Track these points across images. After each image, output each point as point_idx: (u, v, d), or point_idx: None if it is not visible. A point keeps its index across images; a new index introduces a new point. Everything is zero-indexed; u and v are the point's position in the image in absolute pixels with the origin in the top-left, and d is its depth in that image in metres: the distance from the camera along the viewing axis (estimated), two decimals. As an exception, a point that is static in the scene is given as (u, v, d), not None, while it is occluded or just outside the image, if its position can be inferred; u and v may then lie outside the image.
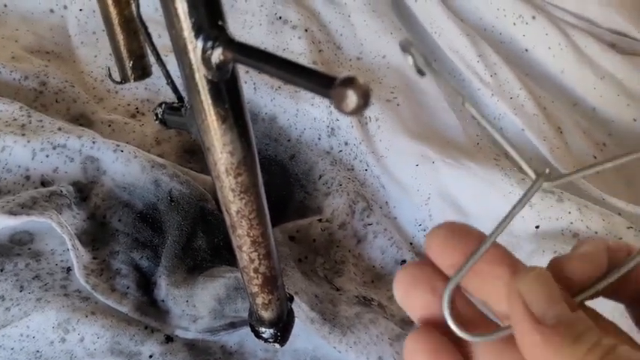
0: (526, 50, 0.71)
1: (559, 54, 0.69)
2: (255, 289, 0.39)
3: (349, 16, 0.77)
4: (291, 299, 0.43)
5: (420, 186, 0.63)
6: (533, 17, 0.70)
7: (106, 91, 0.72)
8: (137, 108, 0.70)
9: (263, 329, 0.41)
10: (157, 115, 0.38)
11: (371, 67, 0.74)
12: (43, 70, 0.67)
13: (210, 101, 0.32)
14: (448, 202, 0.62)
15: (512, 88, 0.68)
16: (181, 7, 0.29)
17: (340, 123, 0.68)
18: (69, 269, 0.53)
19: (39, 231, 0.55)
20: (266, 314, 0.40)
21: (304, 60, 0.72)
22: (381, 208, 0.65)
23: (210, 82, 0.31)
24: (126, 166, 0.58)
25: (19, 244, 0.54)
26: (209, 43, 0.30)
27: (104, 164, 0.58)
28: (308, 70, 0.27)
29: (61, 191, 0.55)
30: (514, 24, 0.70)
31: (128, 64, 0.36)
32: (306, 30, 0.76)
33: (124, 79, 0.37)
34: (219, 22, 0.31)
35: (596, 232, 0.62)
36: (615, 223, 0.61)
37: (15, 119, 0.59)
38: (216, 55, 0.30)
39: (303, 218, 0.63)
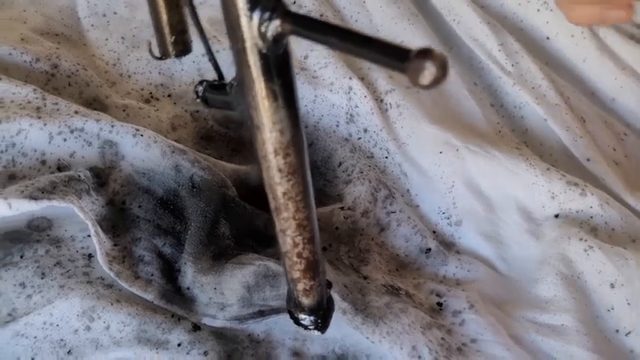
0: (547, 38, 0.70)
1: (581, 42, 0.68)
2: (298, 274, 0.38)
3: (364, 1, 0.76)
4: (329, 285, 0.42)
5: (443, 173, 0.63)
6: (557, 4, 0.69)
7: (119, 75, 0.70)
8: (151, 93, 0.68)
9: (303, 316, 0.40)
10: (197, 93, 0.36)
11: (389, 53, 0.73)
12: (54, 53, 0.65)
13: (262, 77, 0.31)
14: (472, 189, 0.62)
15: (534, 77, 0.67)
16: (237, -22, 0.28)
17: (359, 110, 0.67)
18: (90, 256, 0.51)
19: (57, 217, 0.53)
20: (307, 301, 0.39)
21: (319, 46, 0.71)
22: (402, 196, 0.64)
23: (263, 56, 0.30)
24: (146, 151, 0.56)
25: (38, 230, 0.52)
26: (266, 15, 0.29)
27: (123, 149, 0.56)
28: (379, 41, 0.26)
29: (79, 176, 0.53)
30: (538, 10, 0.69)
31: (169, 39, 0.35)
32: (321, 15, 0.75)
33: (165, 55, 0.35)
34: (276, -7, 0.29)
35: (613, 230, 0.62)
36: (633, 223, 0.61)
37: (29, 102, 0.57)
38: (273, 27, 0.29)
39: (324, 206, 0.62)
